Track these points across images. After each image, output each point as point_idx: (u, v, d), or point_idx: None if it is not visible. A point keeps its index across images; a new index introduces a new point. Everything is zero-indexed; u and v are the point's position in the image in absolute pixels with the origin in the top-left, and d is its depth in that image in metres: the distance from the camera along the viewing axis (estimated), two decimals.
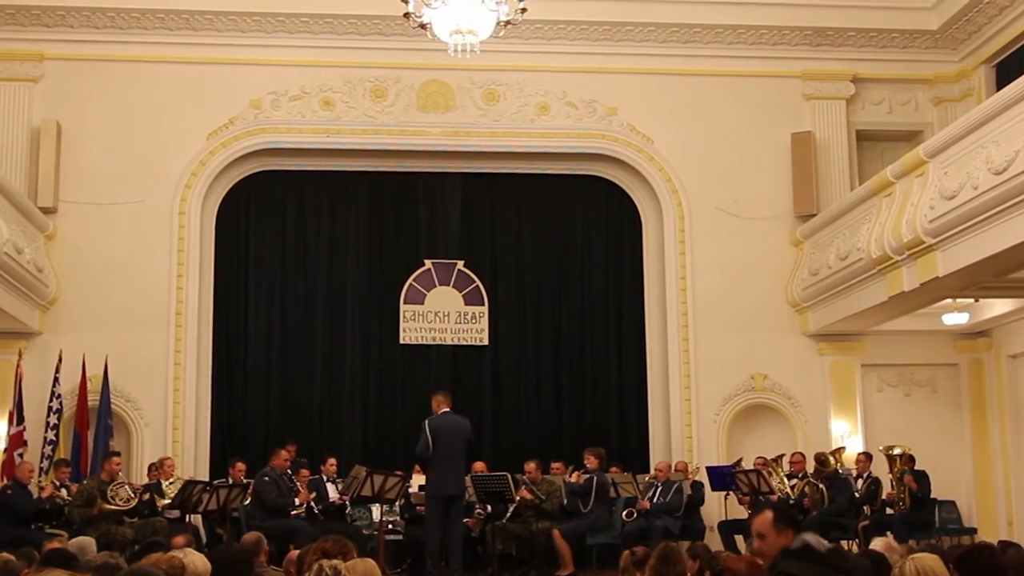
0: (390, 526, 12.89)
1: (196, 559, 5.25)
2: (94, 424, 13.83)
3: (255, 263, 15.58)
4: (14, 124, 14.52)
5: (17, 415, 13.35)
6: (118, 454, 12.76)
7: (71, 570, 4.48)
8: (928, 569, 4.44)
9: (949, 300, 13.92)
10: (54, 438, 13.57)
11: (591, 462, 12.96)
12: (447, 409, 12.25)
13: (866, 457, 13.78)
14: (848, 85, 15.82)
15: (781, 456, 13.80)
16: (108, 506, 11.65)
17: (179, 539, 9.57)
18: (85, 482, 12.36)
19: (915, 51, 15.84)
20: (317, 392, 15.44)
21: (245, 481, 12.71)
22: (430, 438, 11.94)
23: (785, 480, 13.43)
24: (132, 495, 11.93)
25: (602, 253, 16.07)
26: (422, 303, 15.62)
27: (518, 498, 12.72)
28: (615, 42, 15.48)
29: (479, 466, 13.43)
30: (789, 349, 15.22)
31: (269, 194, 15.70)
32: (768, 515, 4.75)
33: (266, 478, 12.40)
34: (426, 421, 12.14)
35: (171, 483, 12.71)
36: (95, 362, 13.89)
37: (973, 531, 14.41)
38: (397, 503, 12.93)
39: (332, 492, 13.18)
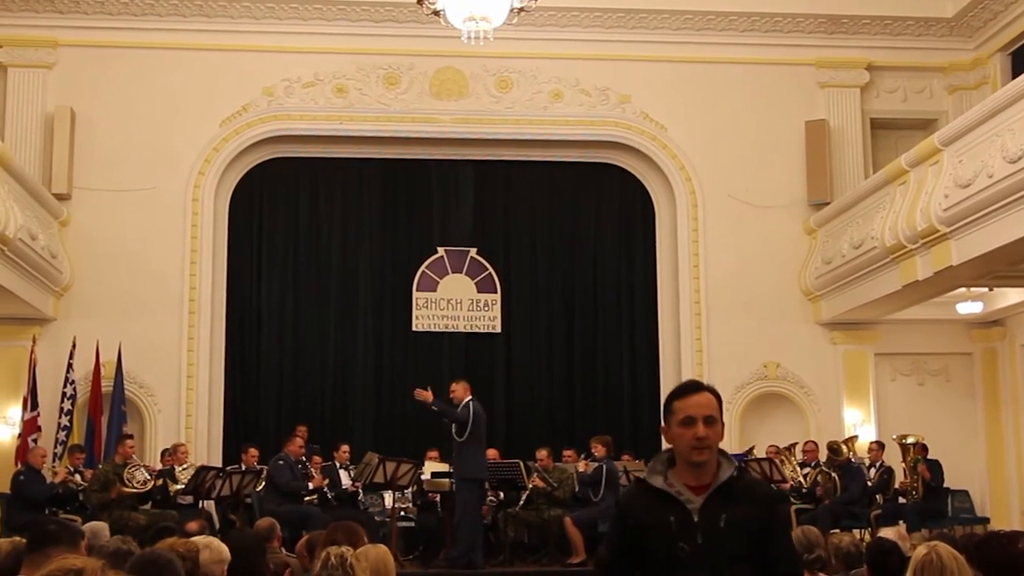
0: (402, 513, 12.91)
1: (217, 545, 5.24)
2: (108, 410, 13.88)
3: (268, 250, 15.61)
4: (28, 111, 14.55)
5: (31, 401, 13.40)
6: (131, 437, 12.81)
7: (73, 544, 4.47)
8: (939, 556, 4.44)
9: (963, 289, 13.89)
10: (68, 424, 13.63)
11: (598, 450, 12.95)
12: (470, 397, 12.17)
13: (879, 446, 13.78)
14: (863, 73, 15.76)
15: (794, 445, 13.80)
16: (126, 489, 11.69)
17: (193, 524, 9.61)
18: (100, 467, 12.40)
19: (930, 39, 15.78)
20: (329, 379, 15.48)
21: (258, 467, 12.76)
22: (472, 422, 11.81)
23: (798, 469, 13.43)
24: (148, 476, 11.98)
25: (615, 241, 16.06)
26: (435, 290, 15.63)
27: (530, 485, 12.74)
28: (629, 29, 15.45)
29: (491, 453, 13.43)
30: (802, 338, 15.20)
31: (282, 181, 15.71)
32: (712, 398, 3.80)
33: (280, 462, 12.43)
34: (470, 401, 12.00)
35: (184, 469, 12.77)
36: (109, 348, 13.93)
37: (986, 520, 14.38)
38: (409, 490, 12.94)
39: (345, 478, 13.20)
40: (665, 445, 3.91)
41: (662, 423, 3.86)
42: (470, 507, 11.94)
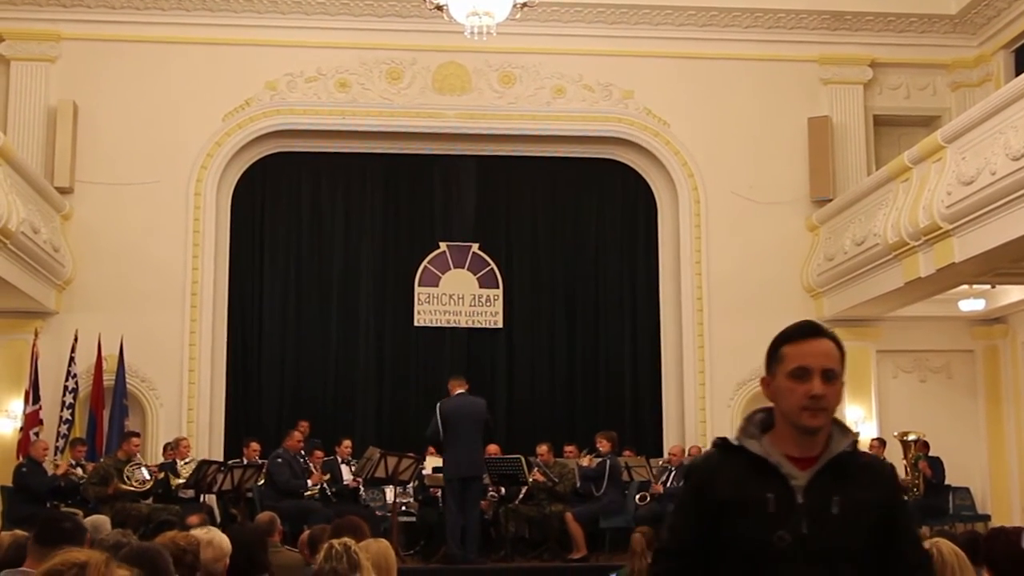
0: (404, 508, 12.91)
1: (219, 537, 5.25)
2: (109, 404, 13.88)
3: (270, 244, 15.60)
4: (31, 104, 14.54)
5: (33, 394, 13.41)
6: (137, 435, 12.81)
7: (81, 545, 4.48)
8: (940, 552, 4.44)
9: (965, 286, 13.89)
10: (70, 417, 13.63)
11: (603, 445, 12.96)
12: (462, 391, 12.26)
13: (880, 443, 13.76)
14: (866, 70, 15.74)
15: None
16: (123, 486, 11.71)
17: (194, 518, 9.61)
18: (102, 460, 12.42)
19: (934, 36, 15.76)
20: (331, 373, 15.48)
21: (260, 461, 12.77)
22: (439, 421, 11.98)
23: None
24: (147, 478, 11.95)
25: (617, 237, 16.05)
26: (437, 285, 15.62)
27: (531, 480, 12.74)
28: (632, 25, 15.44)
29: (492, 448, 13.42)
30: None
31: (284, 176, 15.70)
32: (835, 347, 2.95)
33: (279, 459, 12.44)
34: (437, 404, 12.17)
35: (186, 463, 12.78)
36: (110, 342, 13.93)
37: (987, 517, 14.37)
38: (411, 485, 12.95)
39: (346, 474, 13.21)
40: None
41: (764, 374, 3.01)
42: (446, 504, 12.11)
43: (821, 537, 2.81)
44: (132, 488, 11.78)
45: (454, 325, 15.63)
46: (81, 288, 14.35)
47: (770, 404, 3.00)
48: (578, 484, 12.89)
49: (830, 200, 15.01)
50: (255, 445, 13.15)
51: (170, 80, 14.88)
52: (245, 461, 12.77)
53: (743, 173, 15.41)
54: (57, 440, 13.43)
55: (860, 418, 14.83)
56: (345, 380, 15.51)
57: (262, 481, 12.55)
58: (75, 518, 5.16)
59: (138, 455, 12.31)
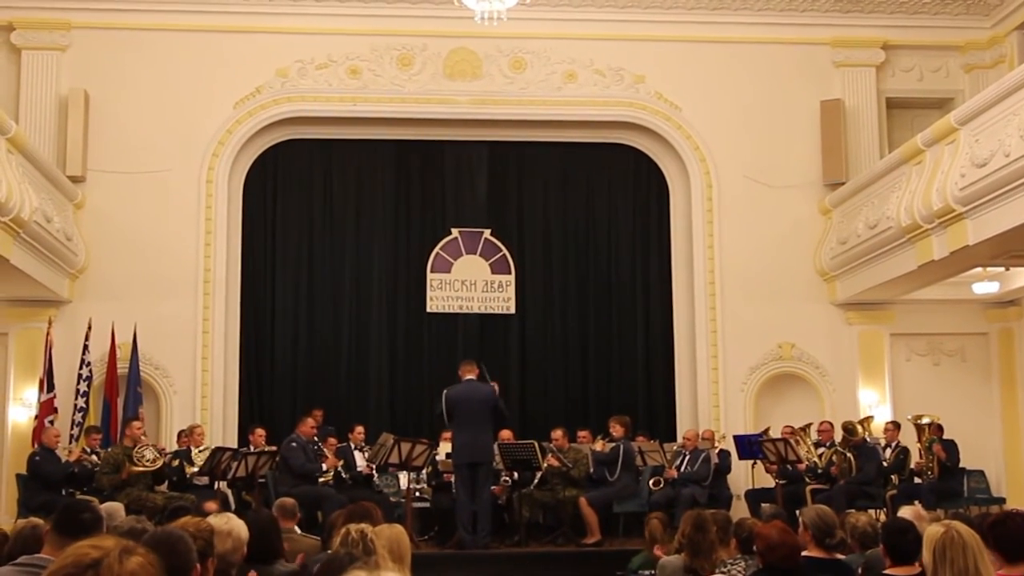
0: (417, 493, 12.93)
1: (238, 527, 5.23)
2: (123, 392, 13.92)
3: (282, 231, 15.61)
4: (42, 93, 14.56)
5: (48, 382, 13.45)
6: (137, 418, 12.90)
7: (96, 532, 4.47)
8: (959, 534, 4.43)
9: (979, 269, 13.83)
10: (84, 405, 13.67)
11: (616, 430, 12.96)
12: (471, 377, 12.28)
13: (894, 426, 13.74)
14: (878, 52, 15.67)
15: (809, 425, 13.76)
16: (136, 468, 11.77)
17: (210, 504, 9.64)
18: (110, 450, 12.48)
19: (946, 17, 15.68)
20: (344, 360, 15.49)
21: (272, 448, 12.78)
22: (444, 407, 12.07)
23: (813, 449, 13.39)
24: (157, 455, 12.07)
25: (629, 221, 16.01)
26: (449, 272, 15.61)
27: (545, 465, 12.74)
28: (643, 9, 15.38)
29: (506, 434, 13.43)
30: (817, 318, 15.15)
31: (296, 163, 15.71)
32: None
33: (293, 444, 12.45)
34: (444, 391, 12.19)
35: (201, 451, 12.81)
36: (124, 330, 13.96)
37: (1002, 500, 14.34)
38: (424, 471, 12.97)
39: (359, 460, 13.23)
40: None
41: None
42: (456, 490, 12.18)
43: None
44: (145, 468, 11.85)
45: (466, 311, 15.62)
46: (94, 276, 14.38)
47: None
48: (591, 469, 12.90)
49: (843, 183, 14.96)
50: (260, 431, 13.21)
51: (181, 68, 14.88)
52: (253, 447, 12.80)
53: (755, 157, 15.36)
54: (72, 428, 13.48)
55: (874, 402, 14.81)
56: (358, 367, 15.52)
57: (276, 465, 12.56)
58: (95, 508, 5.16)
59: (143, 437, 12.37)
